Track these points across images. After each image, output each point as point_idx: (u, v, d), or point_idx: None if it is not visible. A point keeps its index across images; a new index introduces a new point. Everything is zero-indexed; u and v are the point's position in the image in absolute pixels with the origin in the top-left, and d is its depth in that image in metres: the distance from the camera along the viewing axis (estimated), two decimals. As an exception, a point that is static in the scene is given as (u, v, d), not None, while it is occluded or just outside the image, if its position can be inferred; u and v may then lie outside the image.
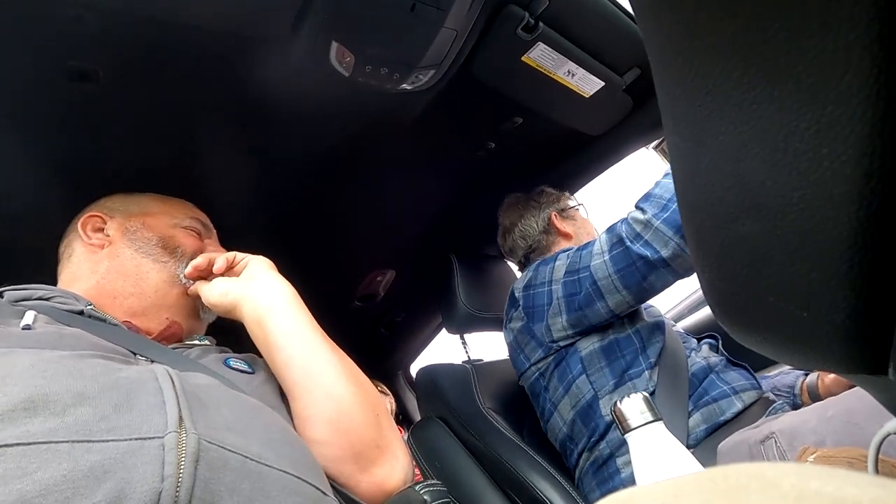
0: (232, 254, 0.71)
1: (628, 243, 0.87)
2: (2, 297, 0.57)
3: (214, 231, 0.82)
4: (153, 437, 0.36)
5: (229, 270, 0.70)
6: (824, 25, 0.15)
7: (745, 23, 0.17)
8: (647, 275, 0.86)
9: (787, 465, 0.14)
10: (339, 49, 0.73)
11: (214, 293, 0.67)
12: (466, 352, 1.34)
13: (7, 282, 0.59)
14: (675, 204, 0.83)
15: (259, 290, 0.65)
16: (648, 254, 0.84)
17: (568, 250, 1.03)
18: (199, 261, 0.70)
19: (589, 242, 0.98)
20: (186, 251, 0.72)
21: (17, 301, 0.57)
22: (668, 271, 0.84)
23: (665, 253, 0.82)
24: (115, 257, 0.69)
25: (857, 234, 0.16)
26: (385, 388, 1.81)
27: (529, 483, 0.93)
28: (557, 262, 1.02)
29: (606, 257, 0.91)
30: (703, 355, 0.99)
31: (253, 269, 0.69)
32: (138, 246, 0.70)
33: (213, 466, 0.37)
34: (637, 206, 0.88)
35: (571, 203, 1.24)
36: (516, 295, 1.08)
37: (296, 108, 0.85)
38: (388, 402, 1.77)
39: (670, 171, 0.93)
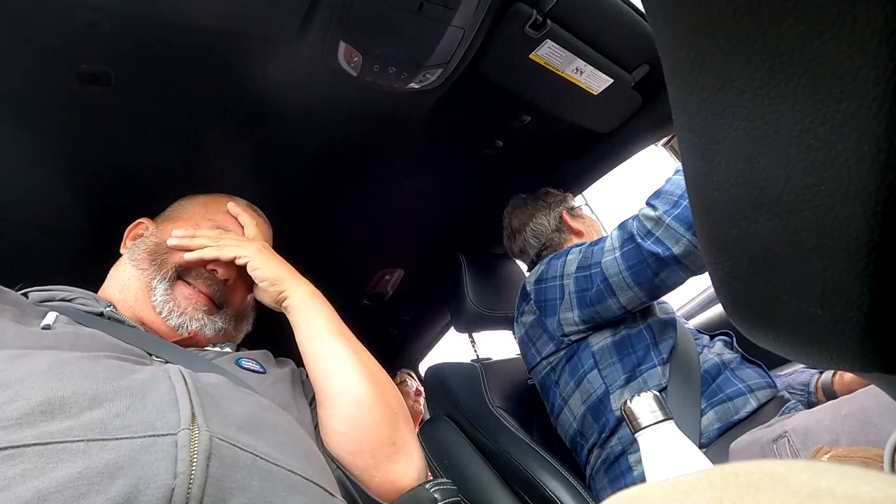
0: (214, 254, 0.68)
1: (639, 240, 0.86)
2: (27, 298, 0.58)
3: (238, 233, 0.77)
4: (166, 434, 0.37)
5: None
6: (839, 18, 0.15)
7: (758, 16, 0.17)
8: (658, 271, 0.85)
9: (799, 462, 0.14)
10: (346, 49, 0.73)
11: (265, 301, 0.71)
12: (475, 350, 1.34)
13: (19, 284, 0.60)
14: (687, 200, 0.82)
15: (292, 302, 0.68)
16: (660, 251, 0.83)
17: (580, 245, 1.03)
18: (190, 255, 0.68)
19: (600, 238, 0.98)
20: (172, 260, 0.68)
21: (41, 302, 0.58)
22: (680, 268, 0.84)
23: (676, 250, 0.82)
24: (119, 265, 0.70)
25: (873, 230, 0.16)
26: (412, 374, 1.81)
27: (539, 482, 0.93)
28: (569, 257, 1.02)
29: (617, 254, 0.90)
30: (716, 352, 0.98)
31: (269, 274, 0.68)
32: (132, 254, 0.70)
33: (225, 463, 0.38)
34: (648, 203, 0.88)
35: (576, 202, 1.25)
36: (528, 289, 1.08)
37: (304, 108, 0.86)
38: (418, 386, 1.78)
39: (680, 168, 0.92)
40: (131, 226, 0.76)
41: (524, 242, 1.22)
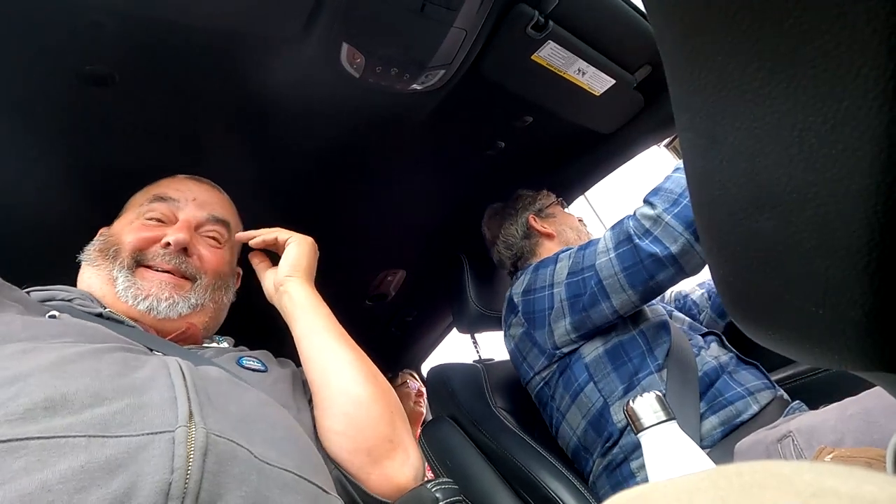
0: (273, 234, 0.76)
1: (636, 240, 0.85)
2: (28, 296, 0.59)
3: (192, 200, 0.74)
4: (164, 432, 0.38)
5: (275, 246, 0.76)
6: (840, 18, 0.15)
7: (758, 17, 0.17)
8: (654, 274, 0.84)
9: (803, 462, 0.14)
10: (349, 50, 0.73)
11: (266, 286, 0.75)
12: (477, 351, 1.34)
13: (23, 286, 0.60)
14: (687, 199, 0.81)
15: (291, 288, 0.70)
16: (658, 250, 0.82)
17: (569, 250, 1.01)
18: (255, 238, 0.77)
19: (592, 241, 0.96)
20: (125, 248, 0.67)
21: (41, 301, 0.59)
22: (676, 269, 0.83)
23: (674, 249, 0.81)
24: (82, 272, 0.70)
25: (874, 229, 0.16)
26: (414, 375, 1.82)
27: (541, 482, 0.93)
28: (559, 264, 0.99)
29: (612, 255, 0.88)
30: (712, 354, 0.96)
31: (293, 256, 0.73)
32: (85, 257, 0.70)
33: (222, 459, 0.39)
34: (646, 201, 0.86)
35: (549, 200, 1.23)
36: (515, 300, 1.06)
37: (306, 109, 0.86)
38: (419, 387, 1.78)
39: (680, 166, 0.91)
40: (99, 233, 0.75)
41: (499, 254, 1.22)
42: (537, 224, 1.17)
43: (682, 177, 0.84)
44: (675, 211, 0.81)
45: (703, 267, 0.85)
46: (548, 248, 1.14)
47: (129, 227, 0.70)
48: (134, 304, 0.63)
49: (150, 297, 0.64)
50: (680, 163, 0.90)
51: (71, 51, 0.66)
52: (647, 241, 0.83)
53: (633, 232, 0.86)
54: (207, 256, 0.72)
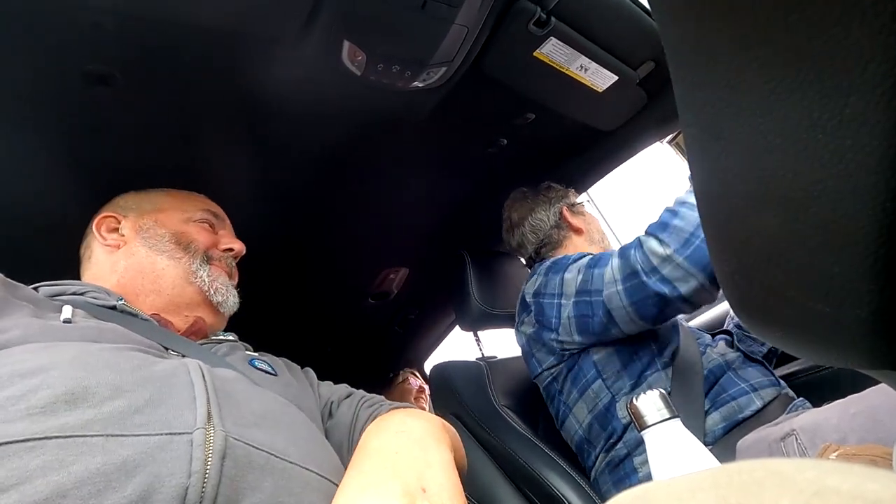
0: None
1: (644, 277, 0.82)
2: (37, 292, 0.58)
3: (228, 220, 0.82)
4: (182, 433, 0.38)
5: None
6: (847, 14, 0.15)
7: (765, 12, 0.17)
8: (663, 308, 0.82)
9: (805, 461, 0.14)
10: (350, 48, 0.73)
11: None
12: (480, 349, 1.34)
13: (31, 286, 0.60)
14: (699, 239, 0.77)
15: None
16: (666, 291, 0.79)
17: (579, 259, 0.98)
18: None
19: (600, 259, 0.92)
20: (199, 246, 0.72)
21: (51, 296, 0.58)
22: (686, 306, 0.81)
23: (684, 290, 0.78)
24: (132, 256, 0.69)
25: (882, 226, 0.16)
26: (415, 372, 1.81)
27: (544, 479, 0.93)
28: (567, 276, 0.97)
29: (619, 287, 0.86)
30: (719, 352, 0.97)
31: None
32: (152, 244, 0.70)
33: (239, 463, 0.38)
34: (654, 236, 0.82)
35: (578, 199, 1.23)
36: (527, 300, 1.05)
37: (307, 107, 0.86)
38: (420, 384, 1.78)
39: (685, 200, 0.85)
40: (101, 217, 0.73)
41: (522, 237, 1.18)
42: (570, 216, 1.15)
43: (691, 213, 0.80)
44: (688, 253, 0.77)
45: (712, 299, 0.81)
46: (573, 243, 1.13)
47: (188, 226, 0.74)
48: (213, 295, 0.69)
49: (228, 294, 0.71)
50: (684, 196, 0.85)
51: (71, 51, 0.66)
52: (654, 279, 0.81)
53: (640, 268, 0.82)
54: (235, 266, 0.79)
